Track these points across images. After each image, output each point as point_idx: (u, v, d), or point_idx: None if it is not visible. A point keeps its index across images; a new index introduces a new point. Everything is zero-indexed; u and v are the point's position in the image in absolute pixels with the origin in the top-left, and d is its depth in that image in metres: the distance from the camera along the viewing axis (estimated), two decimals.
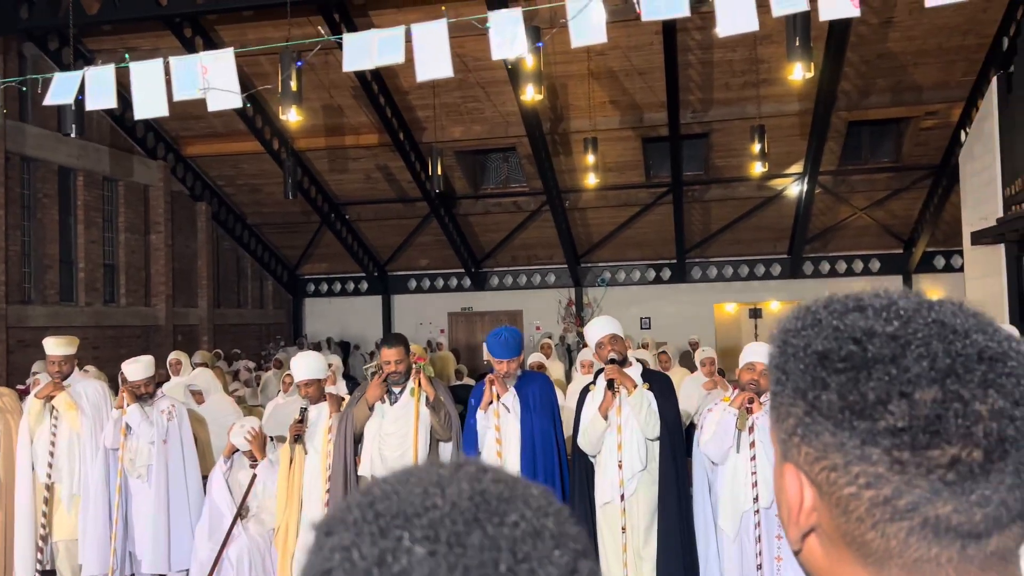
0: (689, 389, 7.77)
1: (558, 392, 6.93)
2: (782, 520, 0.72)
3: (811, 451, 0.66)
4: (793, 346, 0.68)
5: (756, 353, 4.41)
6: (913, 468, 0.62)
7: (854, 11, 3.84)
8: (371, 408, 4.83)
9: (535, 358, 7.98)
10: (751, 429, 4.21)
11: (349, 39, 4.89)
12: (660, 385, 4.50)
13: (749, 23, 3.93)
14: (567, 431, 5.06)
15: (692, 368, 8.64)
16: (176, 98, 5.34)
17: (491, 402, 4.66)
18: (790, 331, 0.70)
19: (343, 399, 5.20)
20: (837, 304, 0.68)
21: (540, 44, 5.49)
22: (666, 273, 17.27)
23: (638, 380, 4.45)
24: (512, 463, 4.62)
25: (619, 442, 4.34)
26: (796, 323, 0.69)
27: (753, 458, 4.19)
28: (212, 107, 5.31)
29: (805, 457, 0.67)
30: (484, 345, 17.78)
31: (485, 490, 0.56)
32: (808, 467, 0.67)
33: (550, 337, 14.23)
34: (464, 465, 0.59)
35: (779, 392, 0.69)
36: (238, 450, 5.34)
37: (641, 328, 17.04)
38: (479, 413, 4.72)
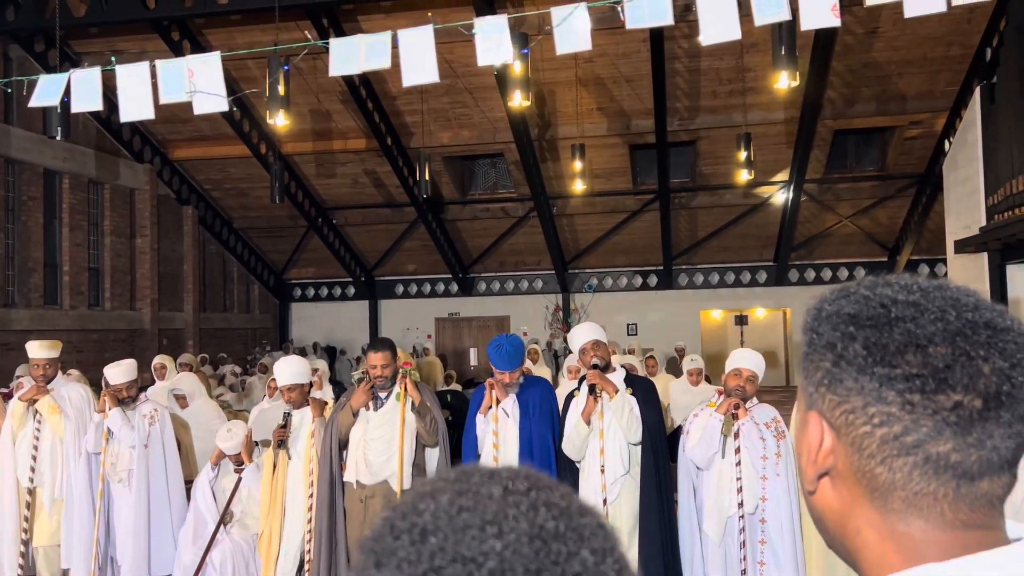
0: (676, 394, 7.81)
1: None
2: (799, 467, 0.82)
3: (834, 397, 0.76)
4: (827, 311, 0.79)
5: (742, 359, 4.43)
6: (921, 409, 0.72)
7: (835, 21, 3.89)
8: (355, 414, 4.81)
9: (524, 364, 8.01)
10: (736, 435, 4.23)
11: (336, 44, 4.90)
12: (643, 390, 4.51)
13: (731, 32, 3.97)
14: None
15: (678, 374, 8.67)
16: (162, 101, 5.33)
17: (491, 406, 4.66)
18: (825, 299, 0.81)
19: (326, 404, 5.18)
20: (867, 281, 0.80)
21: (526, 51, 5.50)
22: (653, 280, 17.32)
23: (621, 385, 4.46)
24: None
25: (601, 447, 4.35)
26: (831, 294, 0.81)
27: (738, 463, 4.21)
28: (198, 111, 5.30)
29: (828, 403, 0.77)
30: (471, 351, 17.64)
31: (543, 528, 0.55)
32: (830, 412, 0.77)
33: (537, 343, 14.24)
34: (516, 489, 0.57)
35: (811, 351, 0.80)
36: (225, 456, 5.31)
37: (628, 334, 17.08)
38: (479, 417, 4.72)
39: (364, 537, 0.57)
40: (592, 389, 4.31)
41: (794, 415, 4.05)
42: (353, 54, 4.78)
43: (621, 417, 4.33)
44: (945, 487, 0.72)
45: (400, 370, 4.91)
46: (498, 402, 4.67)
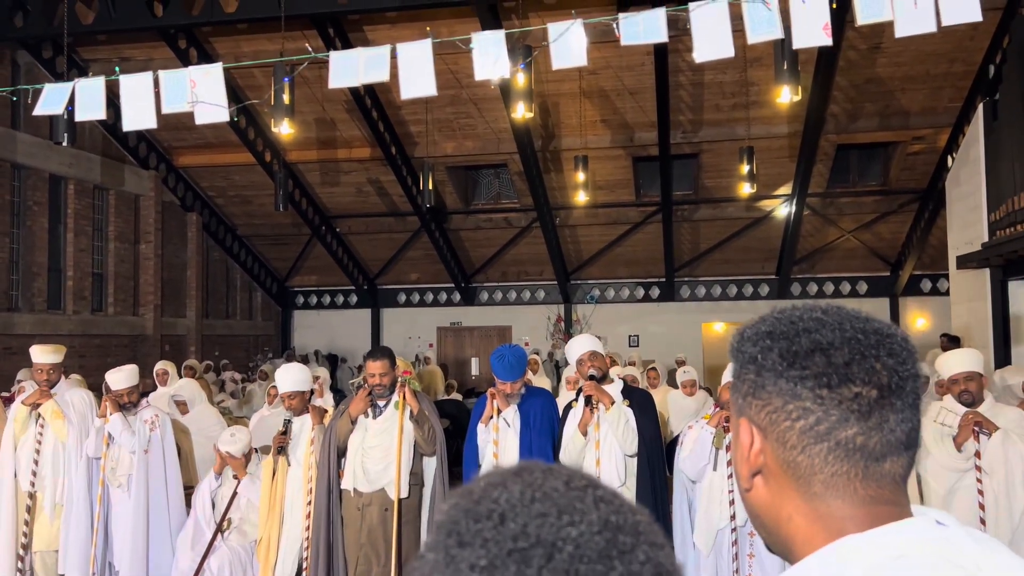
0: (676, 406, 7.83)
1: None
2: (736, 471, 0.92)
3: (759, 401, 0.88)
4: (748, 333, 0.93)
5: None
6: (829, 401, 0.84)
7: (826, 40, 3.94)
8: (354, 422, 4.84)
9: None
10: (728, 447, 4.26)
11: (335, 56, 4.96)
12: (640, 402, 4.54)
13: (725, 50, 4.02)
14: None
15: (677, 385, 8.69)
16: (165, 110, 5.39)
17: (492, 416, 4.69)
18: (746, 326, 0.95)
19: (326, 411, 5.22)
20: (777, 309, 0.94)
21: (524, 65, 5.56)
22: (655, 291, 17.34)
23: (617, 397, 4.49)
24: None
25: (597, 458, 4.38)
26: (749, 322, 0.95)
27: (730, 476, 4.23)
28: (200, 120, 5.36)
29: (755, 408, 0.89)
30: (473, 361, 17.59)
31: (609, 521, 0.60)
32: (757, 415, 0.89)
33: (538, 353, 14.27)
34: (577, 484, 0.62)
35: (738, 367, 0.92)
36: (227, 464, 5.32)
37: (629, 346, 17.08)
38: (480, 426, 4.75)
39: (439, 521, 0.60)
40: (588, 400, 4.34)
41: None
42: (352, 66, 4.85)
43: (617, 428, 4.36)
44: (855, 467, 0.84)
45: (399, 379, 4.95)
46: (499, 412, 4.70)
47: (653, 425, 4.54)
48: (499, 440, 4.71)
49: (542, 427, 4.73)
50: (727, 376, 4.47)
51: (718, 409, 4.51)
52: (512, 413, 4.72)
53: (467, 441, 4.90)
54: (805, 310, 0.91)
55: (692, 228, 15.85)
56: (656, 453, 4.50)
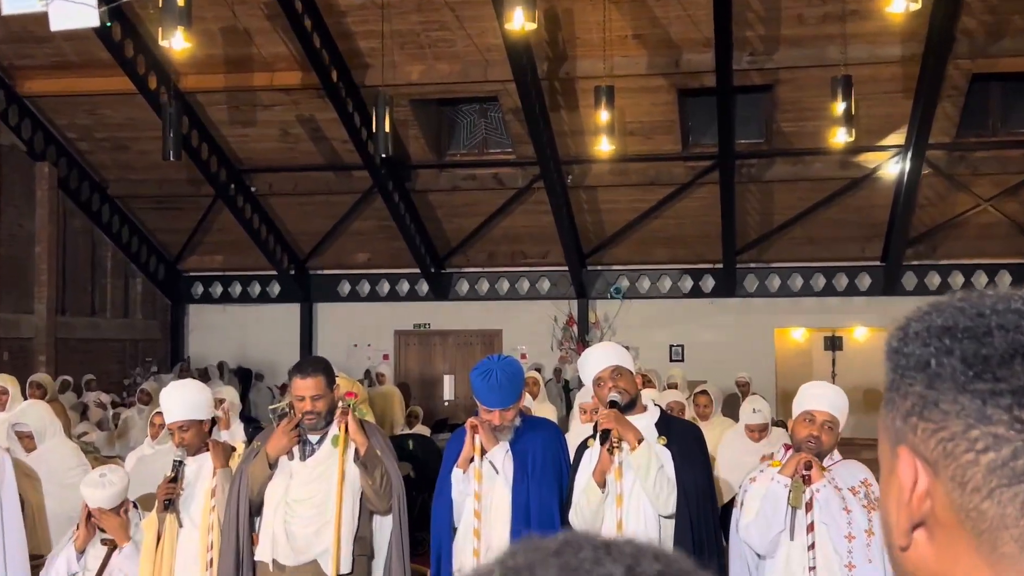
0: (733, 448, 7.84)
1: None
2: (886, 521, 0.92)
3: (929, 425, 0.88)
4: (915, 328, 0.91)
5: (815, 398, 4.46)
6: None
7: None
8: (273, 465, 4.85)
9: None
10: (810, 506, 4.27)
11: None
12: (681, 439, 4.53)
13: None
14: None
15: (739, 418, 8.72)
16: (6, 10, 5.38)
17: (473, 458, 4.70)
18: (911, 317, 0.93)
19: (233, 449, 5.22)
20: (958, 294, 0.93)
21: None
22: (708, 283, 17.36)
23: (649, 432, 4.49)
24: (496, 547, 4.63)
25: (619, 519, 4.38)
26: (918, 311, 0.93)
27: (812, 547, 4.25)
28: (56, 26, 5.35)
29: (922, 433, 0.88)
30: (446, 380, 17.66)
31: None
32: (924, 444, 0.88)
33: (540, 370, 14.26)
34: (643, 572, 0.64)
35: (897, 377, 0.92)
36: (96, 529, 5.23)
37: (671, 359, 17.12)
38: (455, 473, 4.76)
39: None
40: (605, 437, 4.36)
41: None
42: None
43: (647, 478, 4.36)
44: None
45: (340, 403, 4.95)
46: (483, 452, 4.71)
47: (702, 474, 4.53)
48: (483, 493, 4.70)
49: (545, 474, 4.71)
50: (800, 404, 4.48)
51: (790, 452, 4.52)
52: (502, 454, 4.72)
53: (437, 494, 4.90)
54: (999, 298, 0.89)
55: (762, 193, 15.86)
56: (706, 514, 4.49)
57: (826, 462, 4.42)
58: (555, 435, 4.99)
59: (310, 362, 4.96)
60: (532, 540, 0.68)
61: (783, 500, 4.29)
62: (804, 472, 4.28)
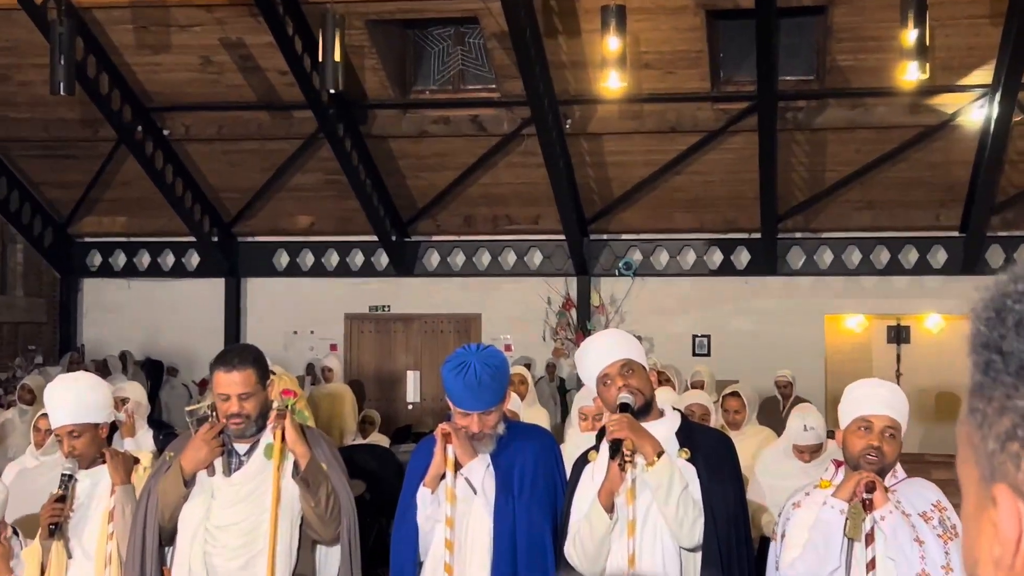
0: (774, 470, 7.83)
1: None
2: (972, 574, 0.86)
3: None
4: (1017, 312, 0.84)
5: (870, 399, 4.46)
6: None
7: None
8: (189, 482, 4.82)
9: None
10: (870, 537, 4.27)
11: None
12: (709, 452, 4.54)
13: None
14: None
15: (781, 427, 8.72)
16: None
17: (444, 475, 4.70)
18: (1008, 294, 0.86)
19: (137, 461, 5.20)
20: None
21: None
22: (742, 257, 17.38)
23: (669, 444, 4.50)
24: None
25: (632, 552, 4.37)
26: (1013, 286, 0.85)
27: None
28: None
29: None
30: (410, 377, 17.61)
31: None
32: None
33: (529, 366, 14.25)
34: None
35: (988, 380, 0.85)
36: None
37: (694, 353, 17.16)
38: (422, 494, 4.76)
39: None
40: (616, 449, 4.34)
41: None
42: None
43: (668, 501, 4.37)
44: None
45: (275, 404, 4.93)
46: (457, 467, 4.71)
47: (734, 496, 4.54)
48: (456, 518, 4.69)
49: (535, 494, 4.71)
50: (851, 409, 4.48)
51: (841, 469, 4.51)
52: (481, 470, 4.71)
53: (398, 521, 4.89)
54: None
55: (812, 144, 15.86)
56: (739, 548, 4.50)
57: (888, 481, 4.42)
58: (548, 446, 4.99)
59: (237, 352, 4.94)
60: None
61: (837, 530, 4.28)
62: (865, 495, 4.27)
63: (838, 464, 4.60)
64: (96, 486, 5.10)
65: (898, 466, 4.49)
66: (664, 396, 5.63)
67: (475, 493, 4.71)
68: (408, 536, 4.83)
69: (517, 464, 4.75)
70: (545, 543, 4.69)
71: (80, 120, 16.61)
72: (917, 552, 4.22)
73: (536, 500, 4.73)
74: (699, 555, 4.45)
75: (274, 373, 5.41)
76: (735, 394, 8.98)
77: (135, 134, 16.30)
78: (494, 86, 16.08)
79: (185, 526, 4.85)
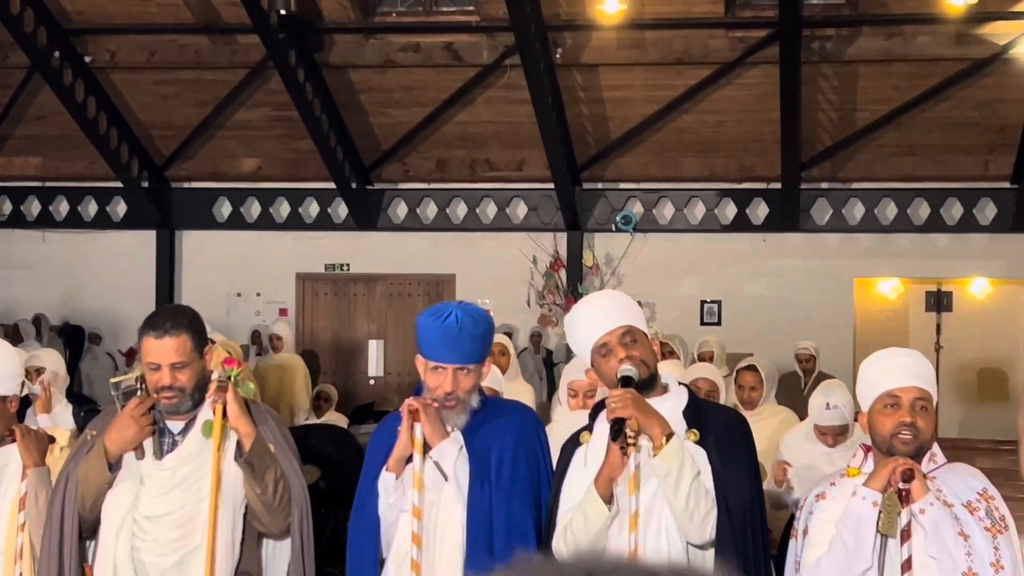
0: (795, 455, 7.86)
1: None
2: None
3: None
4: None
5: (895, 370, 4.47)
6: None
7: None
8: (114, 465, 4.81)
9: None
10: (907, 532, 4.28)
11: None
12: (721, 433, 4.55)
13: None
14: None
15: (803, 408, 8.75)
16: None
17: (412, 457, 4.71)
18: None
19: (53, 441, 5.18)
20: None
21: None
22: (759, 210, 17.41)
23: (676, 424, 4.51)
24: None
25: (634, 546, 4.38)
26: None
27: None
28: None
29: None
30: (372, 346, 17.70)
31: None
32: None
33: (510, 335, 14.26)
34: None
35: None
36: None
37: (703, 321, 17.25)
38: (384, 478, 4.77)
39: None
40: (618, 429, 4.34)
41: None
42: None
43: (678, 490, 4.39)
44: None
45: (216, 375, 4.91)
46: (426, 449, 4.71)
47: (749, 485, 4.56)
48: (425, 510, 4.70)
49: (514, 481, 4.73)
50: (873, 382, 4.50)
51: (870, 456, 4.51)
52: (454, 452, 4.72)
53: (356, 510, 4.90)
54: None
55: (841, 79, 15.90)
56: (755, 544, 4.53)
57: (926, 466, 4.43)
58: (530, 425, 5.00)
59: (169, 315, 4.92)
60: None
61: (869, 525, 4.29)
62: (901, 485, 4.27)
63: (867, 449, 4.58)
64: (4, 469, 5.09)
65: (937, 449, 4.50)
66: (669, 370, 5.62)
67: (445, 479, 4.72)
68: (368, 528, 4.83)
69: (494, 446, 4.75)
70: (526, 537, 4.70)
71: None
72: (963, 548, 4.23)
73: (516, 488, 4.73)
74: (710, 553, 4.46)
75: (213, 342, 5.38)
76: (751, 368, 8.99)
77: (51, 61, 16.22)
78: (472, 8, 16.08)
79: (109, 516, 4.84)
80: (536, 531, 4.73)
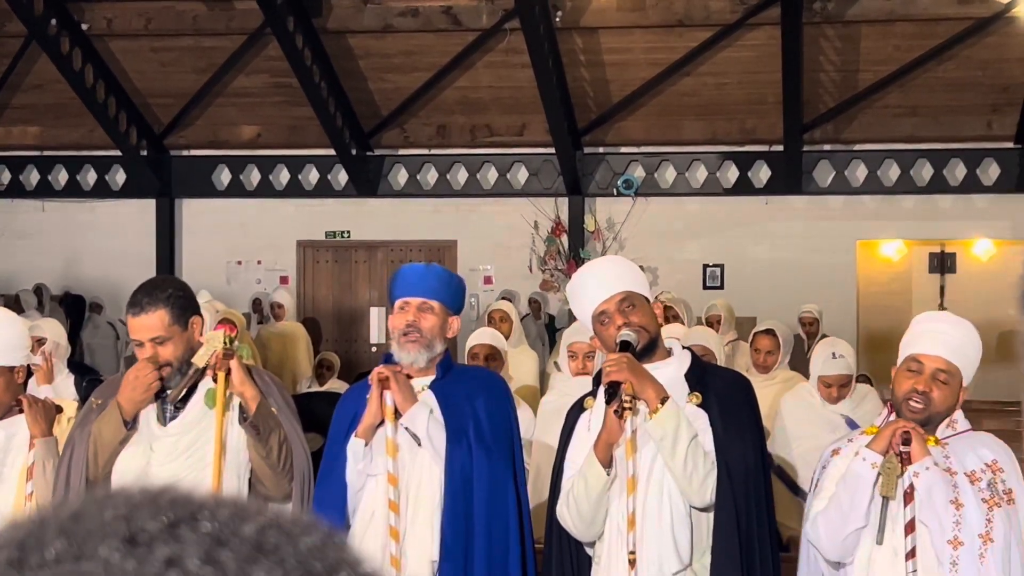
0: (799, 411, 7.89)
1: (524, 409, 6.91)
2: None
3: None
4: None
5: (929, 335, 4.47)
6: None
7: None
8: (131, 423, 4.80)
9: (481, 338, 8.02)
10: (909, 495, 4.30)
11: None
12: (724, 396, 4.56)
13: None
14: (539, 490, 5.14)
15: (807, 371, 8.76)
16: None
17: (381, 422, 4.73)
18: None
19: (60, 410, 5.20)
20: None
21: None
22: (761, 173, 17.39)
23: (677, 387, 4.52)
24: (423, 552, 4.71)
25: (632, 510, 4.39)
26: None
27: (911, 555, 4.28)
28: None
29: None
30: (373, 314, 17.63)
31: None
32: None
33: (511, 299, 14.27)
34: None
35: None
36: None
37: (705, 285, 17.27)
38: (354, 444, 4.80)
39: None
40: (613, 393, 4.37)
41: None
42: None
43: (674, 453, 4.39)
44: None
45: (216, 345, 4.89)
46: (397, 414, 4.75)
47: (752, 446, 4.58)
48: (398, 473, 4.74)
49: (494, 439, 4.78)
50: (908, 345, 4.49)
51: (891, 418, 4.53)
52: (424, 417, 4.74)
53: (322, 476, 4.94)
54: None
55: (843, 40, 15.87)
56: (759, 504, 4.54)
57: (942, 432, 4.43)
58: (499, 385, 5.08)
59: (146, 291, 4.84)
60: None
61: (867, 486, 4.31)
62: (902, 448, 4.29)
63: (892, 409, 4.58)
64: (12, 439, 5.10)
65: (960, 416, 4.47)
66: (673, 332, 5.65)
67: (419, 445, 4.75)
68: (335, 494, 4.85)
69: (467, 406, 4.80)
70: (507, 496, 4.75)
71: None
72: (951, 516, 4.22)
73: (494, 447, 4.78)
74: (712, 515, 4.50)
75: (206, 305, 5.38)
76: (769, 332, 8.96)
77: (48, 28, 16.14)
78: None
79: (121, 481, 4.86)
80: (514, 492, 4.78)
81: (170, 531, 0.74)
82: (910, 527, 4.29)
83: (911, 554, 4.29)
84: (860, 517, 4.31)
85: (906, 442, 4.25)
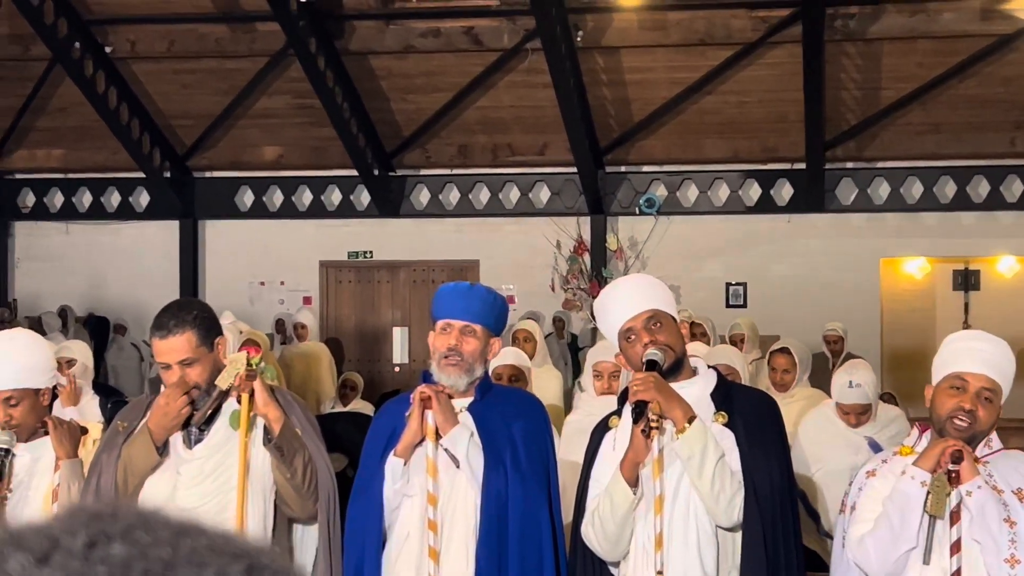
0: (817, 435, 7.85)
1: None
2: None
3: None
4: None
5: (970, 353, 4.45)
6: None
7: None
8: (162, 449, 4.78)
9: (504, 358, 8.00)
10: (956, 515, 4.28)
11: None
12: (750, 416, 4.56)
13: None
14: (567, 510, 5.16)
15: (829, 388, 8.72)
16: None
17: (421, 441, 4.73)
18: None
19: (85, 432, 5.20)
20: None
21: None
22: (784, 191, 17.36)
23: (703, 407, 4.51)
24: (458, 574, 4.69)
25: (659, 531, 4.38)
26: None
27: (957, 574, 4.26)
28: None
29: None
30: (396, 334, 17.64)
31: None
32: None
33: (535, 319, 14.25)
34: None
35: None
36: None
37: (728, 304, 17.23)
38: (392, 462, 4.78)
39: None
40: (640, 412, 4.36)
41: None
42: None
43: (702, 472, 4.38)
44: None
45: (236, 367, 4.87)
46: (438, 435, 4.73)
47: (779, 466, 4.57)
48: (437, 494, 4.73)
49: (530, 466, 4.77)
50: (944, 363, 4.47)
51: (925, 435, 4.51)
52: (465, 439, 4.74)
53: (356, 492, 4.92)
54: None
55: (866, 58, 15.84)
56: (785, 524, 4.53)
57: (980, 451, 4.42)
58: (538, 409, 5.05)
59: (172, 313, 4.84)
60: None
61: (917, 505, 4.28)
62: (951, 466, 4.26)
63: (923, 428, 4.55)
64: (38, 461, 5.09)
65: (994, 435, 4.46)
66: (696, 351, 5.63)
67: (457, 466, 4.74)
68: (371, 510, 4.84)
69: (505, 430, 4.79)
70: (540, 523, 4.74)
71: (7, 36, 16.55)
72: (1007, 534, 4.21)
73: (532, 473, 4.77)
74: (739, 535, 4.48)
75: (228, 328, 5.38)
76: (784, 351, 8.91)
77: (72, 52, 16.23)
78: None
79: (147, 501, 4.85)
80: (548, 515, 4.76)
81: (85, 551, 0.75)
82: (955, 547, 4.28)
83: (957, 574, 4.28)
84: (911, 537, 4.29)
85: (955, 460, 4.24)
